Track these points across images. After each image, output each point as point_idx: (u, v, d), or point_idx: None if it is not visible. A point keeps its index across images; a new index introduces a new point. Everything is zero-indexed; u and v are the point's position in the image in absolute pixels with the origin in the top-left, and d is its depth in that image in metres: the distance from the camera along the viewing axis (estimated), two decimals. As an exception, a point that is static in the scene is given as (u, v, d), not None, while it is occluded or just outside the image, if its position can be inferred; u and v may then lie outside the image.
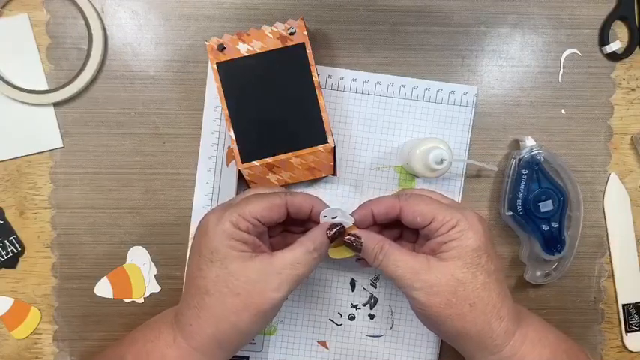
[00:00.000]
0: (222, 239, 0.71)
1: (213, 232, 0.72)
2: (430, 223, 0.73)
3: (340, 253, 0.78)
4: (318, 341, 0.90)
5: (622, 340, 0.92)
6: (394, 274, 0.73)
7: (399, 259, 0.72)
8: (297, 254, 0.72)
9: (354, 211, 0.78)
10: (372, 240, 0.75)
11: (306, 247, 0.73)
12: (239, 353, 0.89)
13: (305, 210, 0.77)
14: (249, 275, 0.71)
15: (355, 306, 0.89)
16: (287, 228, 0.82)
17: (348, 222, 0.76)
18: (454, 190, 0.89)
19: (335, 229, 0.75)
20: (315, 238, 0.74)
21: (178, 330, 0.74)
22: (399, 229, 0.82)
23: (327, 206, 0.77)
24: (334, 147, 0.81)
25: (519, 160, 0.85)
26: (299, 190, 0.88)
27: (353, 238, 0.76)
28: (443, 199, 0.77)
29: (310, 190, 0.88)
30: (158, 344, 0.75)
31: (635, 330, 0.91)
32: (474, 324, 0.71)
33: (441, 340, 0.90)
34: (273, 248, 0.77)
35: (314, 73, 0.80)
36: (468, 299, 0.71)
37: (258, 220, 0.73)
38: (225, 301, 0.71)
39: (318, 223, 0.77)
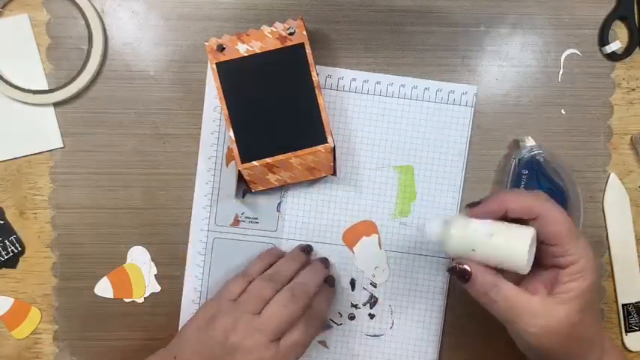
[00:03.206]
0: None
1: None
2: (555, 245, 0.69)
3: None
4: (318, 341, 0.90)
5: (622, 340, 0.92)
6: (507, 316, 0.70)
7: (514, 299, 0.69)
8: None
9: (485, 202, 0.73)
10: (483, 274, 0.70)
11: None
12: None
13: None
14: None
15: (355, 306, 0.89)
16: None
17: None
18: (454, 190, 0.89)
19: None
20: None
21: None
22: None
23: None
24: (334, 147, 0.81)
25: (519, 160, 0.85)
26: (299, 190, 0.88)
27: (462, 269, 0.71)
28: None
29: (310, 190, 0.88)
30: None
31: (635, 330, 0.91)
32: (577, 355, 0.72)
33: (442, 340, 0.90)
34: None
35: (313, 73, 0.80)
36: (577, 338, 0.70)
37: None
38: None
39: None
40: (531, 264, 0.69)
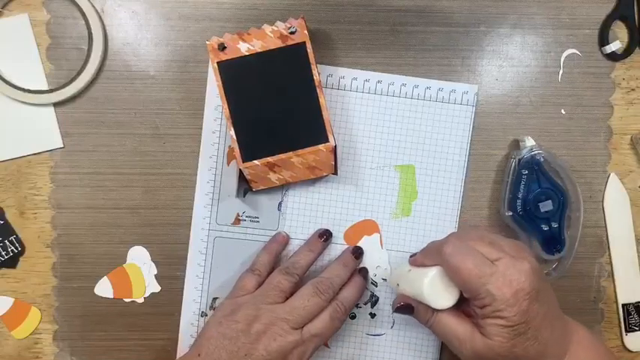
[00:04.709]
0: None
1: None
2: (464, 291, 0.74)
3: None
4: (318, 341, 0.90)
5: (622, 340, 0.92)
6: (442, 338, 0.78)
7: (447, 324, 0.76)
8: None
9: (412, 257, 0.83)
10: (423, 305, 0.78)
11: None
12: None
13: None
14: None
15: (356, 305, 0.89)
16: None
17: None
18: (454, 190, 0.89)
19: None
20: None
21: None
22: None
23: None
24: (335, 146, 0.81)
25: (519, 160, 0.85)
26: (300, 189, 0.89)
27: (405, 304, 0.81)
28: (490, 249, 0.74)
29: (311, 189, 0.88)
30: None
31: (635, 330, 0.91)
32: None
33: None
34: None
35: (315, 72, 0.80)
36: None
37: None
38: None
39: None
40: (444, 299, 0.76)
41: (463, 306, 0.77)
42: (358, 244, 0.89)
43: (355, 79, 0.87)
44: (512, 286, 0.69)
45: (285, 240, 0.88)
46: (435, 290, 0.76)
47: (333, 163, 0.83)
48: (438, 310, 0.77)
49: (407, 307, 0.80)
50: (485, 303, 0.70)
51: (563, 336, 0.75)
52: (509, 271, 0.70)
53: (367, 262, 0.89)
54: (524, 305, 0.69)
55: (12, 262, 0.88)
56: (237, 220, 0.89)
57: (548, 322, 0.72)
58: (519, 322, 0.70)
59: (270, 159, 0.80)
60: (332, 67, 0.87)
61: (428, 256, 0.79)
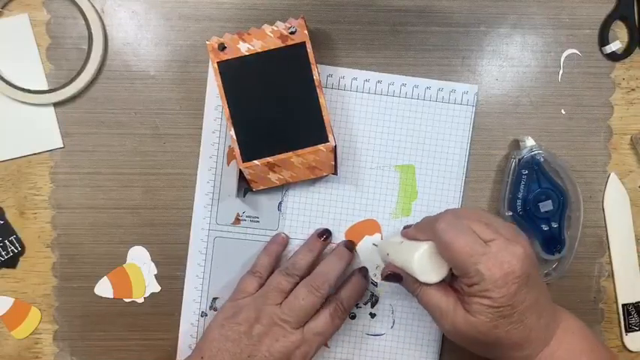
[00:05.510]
0: None
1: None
2: (454, 268, 0.74)
3: None
4: (318, 341, 0.90)
5: (622, 340, 0.92)
6: (426, 308, 0.78)
7: (433, 296, 0.76)
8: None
9: (405, 230, 0.83)
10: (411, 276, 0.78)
11: None
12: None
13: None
14: None
15: (356, 305, 0.89)
16: None
17: None
18: (454, 190, 0.89)
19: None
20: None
21: None
22: None
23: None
24: (335, 146, 0.81)
25: (519, 160, 0.85)
26: (300, 189, 0.88)
27: (393, 273, 0.81)
28: (485, 229, 0.73)
29: (311, 189, 0.88)
30: None
31: (635, 330, 0.91)
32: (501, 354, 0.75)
33: (442, 340, 0.90)
34: None
35: (315, 72, 0.80)
36: (493, 343, 0.73)
37: None
38: None
39: None
40: (433, 274, 0.76)
41: (451, 280, 0.77)
42: (358, 244, 0.89)
43: (355, 79, 0.87)
44: (503, 268, 0.69)
45: (285, 241, 0.88)
46: (424, 265, 0.76)
47: (333, 163, 0.83)
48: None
49: (395, 275, 0.80)
50: (473, 282, 0.70)
51: (551, 323, 0.75)
52: (501, 253, 0.70)
53: (367, 262, 0.89)
54: (513, 289, 0.69)
55: (12, 262, 0.88)
56: (237, 220, 0.89)
57: (535, 308, 0.72)
58: (505, 304, 0.69)
59: (270, 159, 0.81)
60: (332, 67, 0.87)
61: (421, 230, 0.78)
